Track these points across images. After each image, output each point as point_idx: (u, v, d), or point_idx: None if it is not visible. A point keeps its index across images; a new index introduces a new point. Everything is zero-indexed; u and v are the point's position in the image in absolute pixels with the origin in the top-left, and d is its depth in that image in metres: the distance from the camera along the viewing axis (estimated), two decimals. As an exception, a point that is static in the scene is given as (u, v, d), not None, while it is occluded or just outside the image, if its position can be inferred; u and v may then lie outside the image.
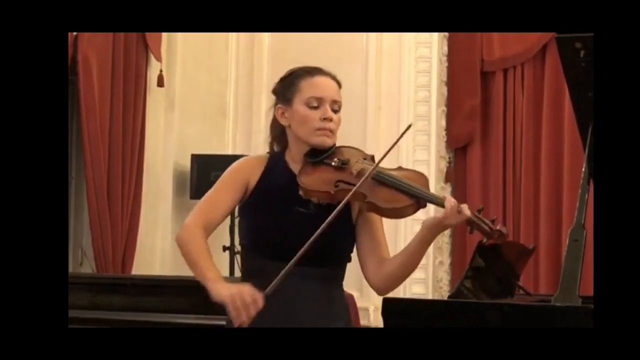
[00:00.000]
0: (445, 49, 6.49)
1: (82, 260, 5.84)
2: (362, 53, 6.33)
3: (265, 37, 6.71)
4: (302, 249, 2.42)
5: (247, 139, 6.72)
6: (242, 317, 2.41)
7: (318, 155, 2.63)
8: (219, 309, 2.50)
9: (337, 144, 2.68)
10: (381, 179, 2.55)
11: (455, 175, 6.55)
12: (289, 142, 2.70)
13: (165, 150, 6.20)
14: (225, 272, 6.18)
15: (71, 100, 5.51)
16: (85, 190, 5.54)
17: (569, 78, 3.45)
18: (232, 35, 6.70)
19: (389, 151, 2.57)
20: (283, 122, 2.70)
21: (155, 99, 6.08)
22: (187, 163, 6.21)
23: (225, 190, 2.67)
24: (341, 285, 2.69)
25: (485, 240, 2.59)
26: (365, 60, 6.35)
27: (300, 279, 2.52)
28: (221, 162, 6.21)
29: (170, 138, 6.22)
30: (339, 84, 2.72)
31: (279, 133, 2.74)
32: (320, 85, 2.67)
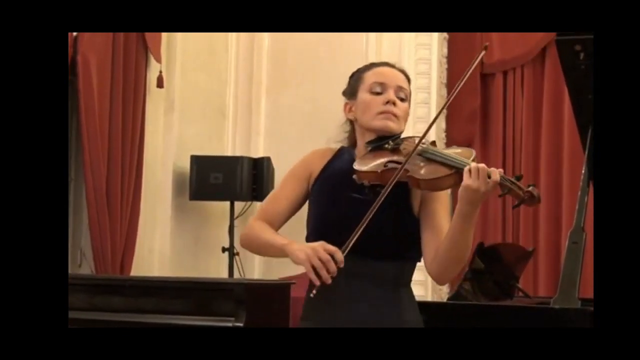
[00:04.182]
0: (445, 51, 6.49)
1: (81, 262, 5.83)
2: (362, 55, 6.32)
3: (265, 38, 6.71)
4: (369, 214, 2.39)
5: (246, 140, 6.72)
6: (322, 276, 2.38)
7: (379, 142, 2.58)
8: (217, 310, 2.49)
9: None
10: (425, 155, 2.48)
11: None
12: (357, 138, 2.67)
13: (165, 151, 6.20)
14: (225, 274, 6.18)
15: (70, 101, 5.50)
16: (84, 191, 5.53)
17: (569, 81, 3.45)
18: (232, 36, 6.70)
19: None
20: (350, 117, 2.67)
21: (154, 100, 6.08)
22: (186, 164, 6.20)
23: (287, 185, 2.67)
24: (409, 286, 2.61)
25: (517, 203, 2.42)
26: (365, 63, 6.34)
27: (369, 280, 2.50)
28: (220, 163, 6.25)
29: (169, 139, 6.22)
30: (407, 76, 2.68)
31: (349, 131, 2.71)
32: (384, 72, 2.65)
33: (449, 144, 6.47)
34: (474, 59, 2.58)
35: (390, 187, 2.43)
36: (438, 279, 2.53)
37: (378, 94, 2.60)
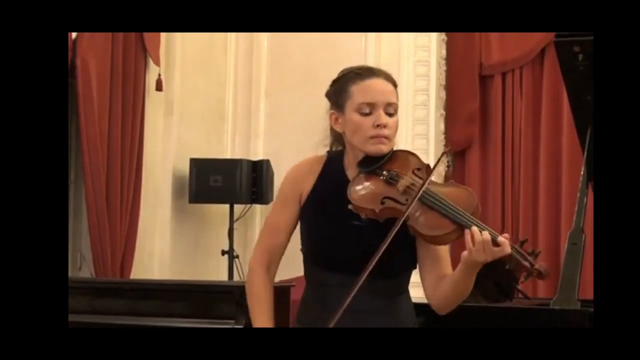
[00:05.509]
0: (444, 52, 6.49)
1: (81, 265, 5.83)
2: (361, 57, 6.32)
3: (264, 40, 6.71)
4: (356, 285, 2.37)
5: (245, 143, 6.72)
6: None
7: (371, 164, 2.54)
8: (217, 312, 2.49)
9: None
10: (426, 201, 2.44)
11: (454, 179, 6.52)
12: (346, 147, 2.62)
13: (164, 154, 6.20)
14: (224, 277, 6.18)
15: (70, 104, 5.51)
16: (84, 194, 5.53)
17: (568, 82, 3.45)
18: (231, 39, 6.70)
19: (428, 177, 2.50)
20: (337, 128, 2.60)
21: (153, 103, 6.08)
22: (185, 167, 6.20)
23: (281, 210, 2.62)
24: (406, 291, 2.64)
25: (523, 279, 2.47)
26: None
27: (367, 294, 2.46)
28: (220, 166, 6.26)
29: (169, 142, 6.22)
30: (394, 83, 2.61)
31: (336, 135, 2.65)
32: (372, 89, 2.55)
33: (448, 146, 6.47)
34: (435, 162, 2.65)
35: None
36: (439, 311, 2.55)
37: (367, 114, 2.53)
